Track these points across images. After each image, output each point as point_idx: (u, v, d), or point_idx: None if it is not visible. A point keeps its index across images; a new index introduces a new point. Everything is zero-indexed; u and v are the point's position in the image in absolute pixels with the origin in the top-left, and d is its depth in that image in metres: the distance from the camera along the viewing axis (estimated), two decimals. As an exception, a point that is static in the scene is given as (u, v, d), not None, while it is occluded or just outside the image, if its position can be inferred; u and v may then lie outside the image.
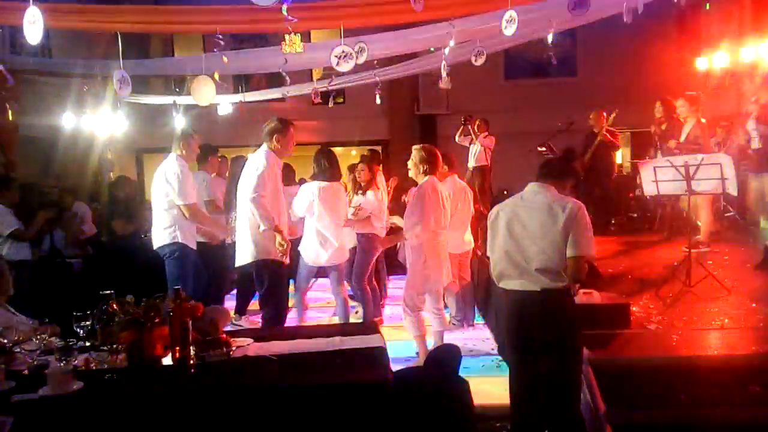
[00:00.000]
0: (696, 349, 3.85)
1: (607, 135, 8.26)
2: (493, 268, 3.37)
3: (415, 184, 4.94)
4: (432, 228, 4.70)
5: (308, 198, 5.33)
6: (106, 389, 2.56)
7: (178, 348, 2.77)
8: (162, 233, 4.99)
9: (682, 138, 6.61)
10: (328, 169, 5.45)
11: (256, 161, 4.36)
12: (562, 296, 3.11)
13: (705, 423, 3.23)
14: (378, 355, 2.86)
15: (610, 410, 3.31)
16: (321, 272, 5.83)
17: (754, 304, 4.56)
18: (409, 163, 4.88)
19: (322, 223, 5.32)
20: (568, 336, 3.12)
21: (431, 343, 4.88)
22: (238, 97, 8.48)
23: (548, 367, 3.10)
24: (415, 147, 4.96)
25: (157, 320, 2.82)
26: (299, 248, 5.45)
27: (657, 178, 5.26)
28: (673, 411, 3.30)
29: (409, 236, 4.72)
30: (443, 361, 2.94)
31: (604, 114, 8.38)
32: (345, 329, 3.38)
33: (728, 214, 8.21)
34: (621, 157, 14.55)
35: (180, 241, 4.96)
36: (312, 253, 5.38)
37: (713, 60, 9.94)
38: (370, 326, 3.45)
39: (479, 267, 6.51)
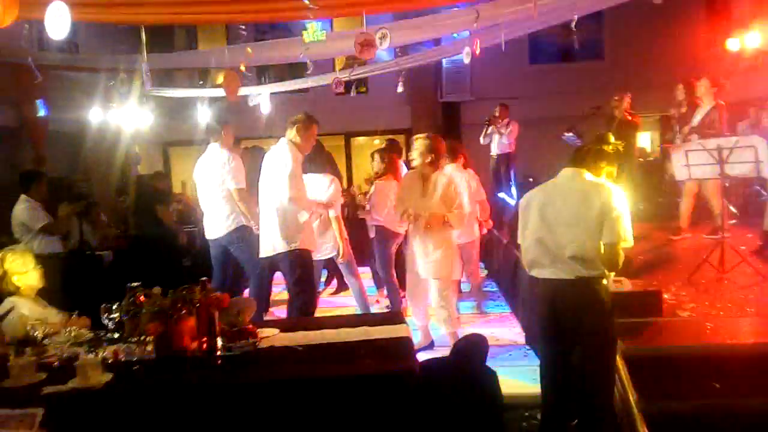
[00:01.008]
0: (730, 337, 3.75)
1: (626, 114, 8.13)
2: (524, 257, 3.29)
3: None
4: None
5: None
6: (135, 380, 2.58)
7: (204, 339, 2.78)
8: (224, 222, 5.14)
9: (695, 122, 6.41)
10: (313, 160, 5.42)
11: (281, 158, 4.38)
12: (597, 285, 3.01)
13: (739, 413, 3.15)
14: (404, 345, 2.83)
15: (642, 400, 3.24)
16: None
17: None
18: (414, 153, 4.79)
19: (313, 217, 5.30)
20: (604, 326, 3.02)
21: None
22: (266, 89, 8.48)
23: (582, 358, 3.02)
24: (419, 136, 4.86)
25: (183, 311, 2.83)
26: None
27: (689, 162, 5.13)
28: (707, 400, 3.23)
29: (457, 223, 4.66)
30: (470, 352, 2.91)
31: (624, 98, 8.25)
32: (370, 319, 3.36)
33: (762, 199, 7.99)
34: (650, 141, 14.30)
35: (244, 223, 5.14)
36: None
37: (745, 40, 9.65)
38: (395, 316, 3.43)
39: (504, 255, 6.44)
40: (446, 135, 11.41)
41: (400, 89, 7.94)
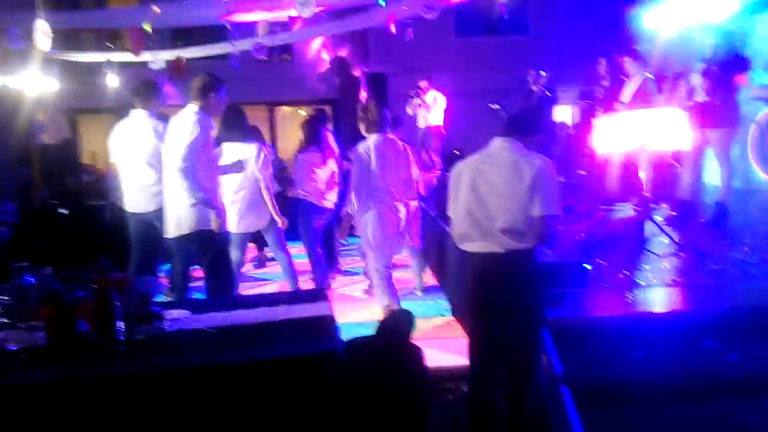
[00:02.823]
0: (650, 306, 3.83)
1: (545, 91, 8.29)
2: (453, 230, 3.18)
3: None
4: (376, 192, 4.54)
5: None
6: (23, 371, 2.30)
7: (103, 324, 2.52)
8: (155, 196, 4.63)
9: (627, 98, 6.55)
10: (233, 127, 5.06)
11: (185, 125, 3.96)
12: (528, 258, 2.95)
13: (660, 381, 3.21)
14: (326, 324, 2.67)
15: (567, 371, 3.24)
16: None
17: (704, 259, 4.58)
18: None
19: (230, 187, 4.99)
20: (533, 299, 2.98)
21: None
22: (177, 53, 7.98)
23: (512, 332, 2.97)
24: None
25: (79, 293, 2.56)
26: None
27: (610, 134, 5.19)
28: (629, 370, 3.27)
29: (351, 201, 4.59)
30: (395, 329, 2.79)
31: (542, 72, 8.38)
32: (290, 297, 3.18)
33: (675, 170, 8.29)
34: (570, 115, 14.65)
35: None
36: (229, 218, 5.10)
37: (662, 16, 9.92)
38: (317, 294, 3.26)
39: (431, 228, 6.38)
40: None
41: (325, 56, 7.67)
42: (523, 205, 2.88)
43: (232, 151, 5.01)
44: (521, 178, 2.89)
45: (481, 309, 3.08)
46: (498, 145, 3.07)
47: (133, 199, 4.85)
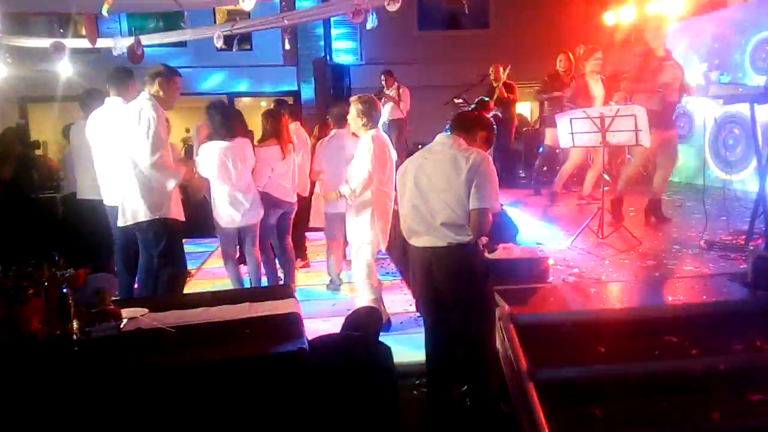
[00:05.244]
0: (612, 301, 3.86)
1: (503, 89, 8.36)
2: (402, 225, 3.26)
3: None
4: (376, 185, 4.47)
5: (213, 160, 4.87)
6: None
7: (57, 323, 2.40)
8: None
9: (598, 92, 6.68)
10: (223, 124, 4.96)
11: (139, 114, 3.83)
12: (469, 251, 3.02)
13: (623, 376, 3.24)
14: (291, 322, 2.61)
15: (532, 367, 3.24)
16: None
17: (663, 255, 4.66)
18: (348, 118, 4.57)
19: (231, 184, 4.92)
20: (477, 291, 3.06)
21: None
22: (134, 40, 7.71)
23: (459, 324, 3.05)
24: (352, 99, 4.65)
25: (30, 291, 2.43)
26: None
27: (573, 129, 5.23)
28: (593, 365, 3.28)
29: (348, 194, 4.51)
30: (363, 327, 2.74)
31: (501, 68, 8.44)
32: (254, 294, 3.09)
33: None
34: (530, 110, 14.80)
35: None
36: (226, 216, 5.00)
37: (620, 15, 10.09)
38: (282, 290, 3.18)
39: (395, 223, 6.34)
40: (336, 99, 11.17)
41: (287, 46, 7.53)
42: (461, 198, 2.96)
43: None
44: (458, 173, 2.96)
45: (430, 302, 3.16)
46: (439, 140, 3.16)
47: (112, 191, 4.54)
